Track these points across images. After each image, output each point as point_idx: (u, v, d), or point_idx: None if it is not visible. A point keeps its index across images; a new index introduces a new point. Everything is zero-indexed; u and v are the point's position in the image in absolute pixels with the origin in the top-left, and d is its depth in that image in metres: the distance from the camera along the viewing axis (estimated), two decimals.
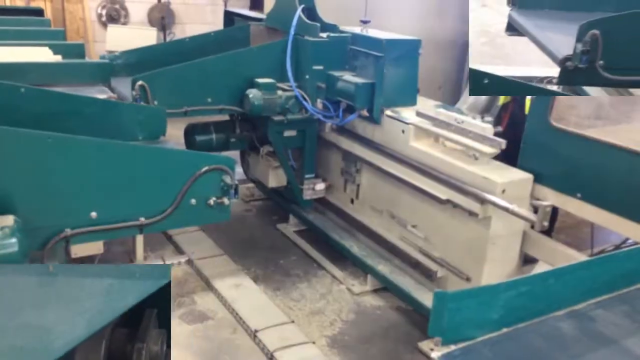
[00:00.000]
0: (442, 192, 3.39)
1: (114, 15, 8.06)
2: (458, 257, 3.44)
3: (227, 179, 2.56)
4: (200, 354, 3.24)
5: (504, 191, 3.11)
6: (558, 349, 1.52)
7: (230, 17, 5.67)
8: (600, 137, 2.99)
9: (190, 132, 4.26)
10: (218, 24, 6.16)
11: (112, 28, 6.05)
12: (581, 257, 3.13)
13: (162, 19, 8.52)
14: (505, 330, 1.58)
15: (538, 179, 3.25)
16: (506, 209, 3.01)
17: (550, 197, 3.19)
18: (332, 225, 4.38)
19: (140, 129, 3.04)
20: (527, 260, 3.49)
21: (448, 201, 3.36)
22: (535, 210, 3.14)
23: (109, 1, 8.00)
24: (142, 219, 2.46)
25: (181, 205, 2.51)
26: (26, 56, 3.73)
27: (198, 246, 4.32)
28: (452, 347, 1.51)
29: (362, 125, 4.05)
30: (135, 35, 6.05)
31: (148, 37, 6.00)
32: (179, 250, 4.29)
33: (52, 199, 2.26)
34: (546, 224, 2.93)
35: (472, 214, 3.22)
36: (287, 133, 4.22)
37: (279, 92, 3.95)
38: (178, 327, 3.46)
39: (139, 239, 4.04)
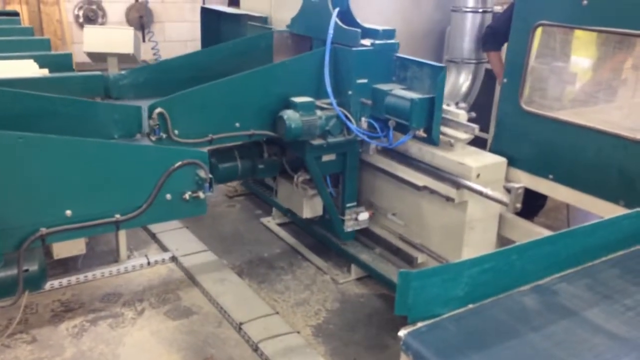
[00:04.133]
0: (419, 179, 3.44)
1: (91, 16, 8.04)
2: (437, 242, 3.49)
3: (202, 173, 2.58)
4: (186, 348, 3.27)
5: (478, 175, 3.17)
6: (520, 322, 1.57)
7: (207, 14, 5.69)
8: (570, 118, 3.05)
9: (210, 158, 3.46)
10: (197, 22, 6.16)
11: (88, 29, 6.01)
12: None
13: (140, 18, 8.51)
14: (470, 306, 1.63)
15: (511, 162, 3.31)
16: (480, 193, 3.06)
17: (524, 180, 3.25)
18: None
19: (116, 128, 3.05)
20: (505, 243, 3.55)
21: (425, 188, 3.40)
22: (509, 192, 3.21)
23: (85, 2, 7.97)
24: (118, 216, 2.47)
25: (156, 200, 2.53)
26: (10, 71, 3.52)
27: (182, 243, 4.34)
28: (419, 325, 1.55)
29: (416, 147, 3.48)
30: (112, 35, 6.00)
31: (125, 36, 5.96)
32: (163, 248, 4.31)
33: (26, 199, 2.26)
34: (519, 205, 2.99)
35: (448, 199, 3.27)
36: (326, 157, 3.69)
37: (318, 112, 3.43)
38: (163, 324, 3.48)
39: (122, 238, 4.07)
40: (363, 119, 3.53)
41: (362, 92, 3.49)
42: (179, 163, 2.54)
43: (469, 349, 1.47)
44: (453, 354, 1.46)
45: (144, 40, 8.51)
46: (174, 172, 2.53)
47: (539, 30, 3.14)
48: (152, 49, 8.80)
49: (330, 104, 3.46)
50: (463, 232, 3.30)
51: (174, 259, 4.17)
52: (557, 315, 1.62)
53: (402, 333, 1.53)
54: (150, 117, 3.03)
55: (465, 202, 3.25)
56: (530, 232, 3.34)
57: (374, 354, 3.31)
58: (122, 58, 6.10)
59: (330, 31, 3.47)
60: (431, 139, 3.32)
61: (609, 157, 2.86)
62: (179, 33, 9.15)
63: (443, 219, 3.41)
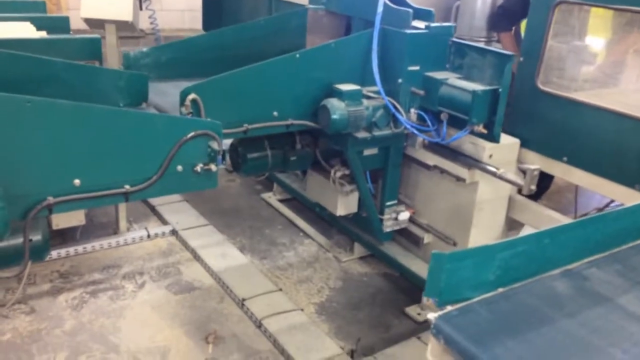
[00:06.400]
0: (429, 158, 3.37)
1: None
2: (445, 222, 3.45)
3: (214, 145, 2.48)
4: (188, 323, 3.22)
5: (491, 156, 3.11)
6: (553, 307, 1.53)
7: None
8: (587, 100, 2.99)
9: (237, 148, 3.33)
10: None
11: None
12: (566, 220, 3.16)
13: None
14: (501, 290, 1.58)
15: (524, 144, 3.25)
16: (494, 174, 3.01)
17: (537, 161, 3.20)
18: None
19: (121, 95, 2.94)
20: (512, 225, 3.52)
21: (435, 167, 3.34)
22: (523, 174, 3.16)
23: None
24: (127, 187, 2.37)
25: (167, 172, 2.42)
26: (6, 33, 3.34)
27: (182, 217, 4.27)
28: (449, 308, 1.50)
29: (470, 143, 3.15)
30: (111, 1, 5.81)
31: (125, 3, 5.76)
32: (163, 221, 4.23)
33: (33, 166, 2.16)
34: (534, 187, 2.94)
35: (459, 179, 3.21)
36: (368, 152, 3.36)
37: (365, 102, 3.10)
38: (164, 298, 3.43)
39: (122, 210, 3.98)
40: (412, 110, 3.21)
41: (413, 81, 3.17)
42: (192, 134, 2.44)
43: (503, 334, 1.42)
44: (486, 339, 1.41)
45: (141, 9, 8.28)
46: (186, 143, 2.43)
47: (558, 9, 3.05)
48: (150, 17, 8.58)
49: (377, 92, 3.11)
50: (472, 213, 3.25)
51: (174, 232, 4.10)
52: (589, 300, 1.58)
53: (432, 316, 1.48)
54: (182, 103, 2.70)
55: (475, 182, 3.19)
56: (540, 214, 3.30)
57: (378, 333, 3.29)
58: (120, 26, 5.91)
59: (380, 9, 3.09)
60: (492, 136, 3.03)
61: (627, 140, 2.81)
62: (176, 2, 8.93)
63: (452, 199, 3.36)
